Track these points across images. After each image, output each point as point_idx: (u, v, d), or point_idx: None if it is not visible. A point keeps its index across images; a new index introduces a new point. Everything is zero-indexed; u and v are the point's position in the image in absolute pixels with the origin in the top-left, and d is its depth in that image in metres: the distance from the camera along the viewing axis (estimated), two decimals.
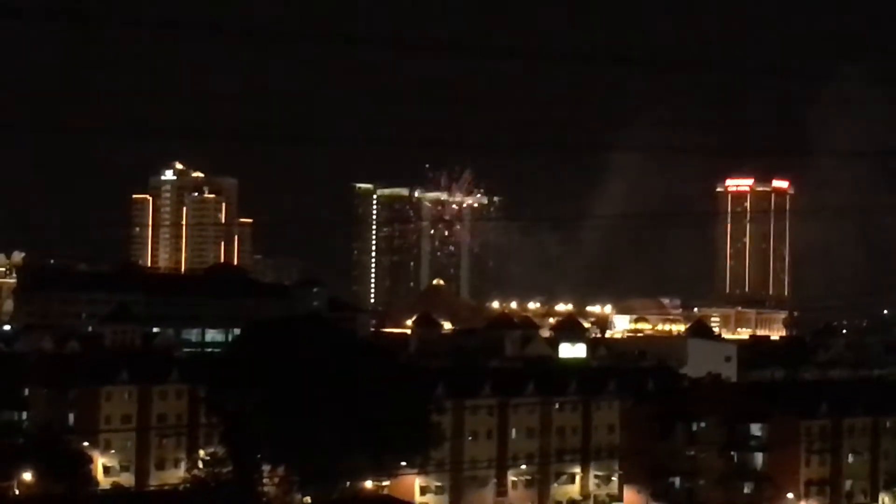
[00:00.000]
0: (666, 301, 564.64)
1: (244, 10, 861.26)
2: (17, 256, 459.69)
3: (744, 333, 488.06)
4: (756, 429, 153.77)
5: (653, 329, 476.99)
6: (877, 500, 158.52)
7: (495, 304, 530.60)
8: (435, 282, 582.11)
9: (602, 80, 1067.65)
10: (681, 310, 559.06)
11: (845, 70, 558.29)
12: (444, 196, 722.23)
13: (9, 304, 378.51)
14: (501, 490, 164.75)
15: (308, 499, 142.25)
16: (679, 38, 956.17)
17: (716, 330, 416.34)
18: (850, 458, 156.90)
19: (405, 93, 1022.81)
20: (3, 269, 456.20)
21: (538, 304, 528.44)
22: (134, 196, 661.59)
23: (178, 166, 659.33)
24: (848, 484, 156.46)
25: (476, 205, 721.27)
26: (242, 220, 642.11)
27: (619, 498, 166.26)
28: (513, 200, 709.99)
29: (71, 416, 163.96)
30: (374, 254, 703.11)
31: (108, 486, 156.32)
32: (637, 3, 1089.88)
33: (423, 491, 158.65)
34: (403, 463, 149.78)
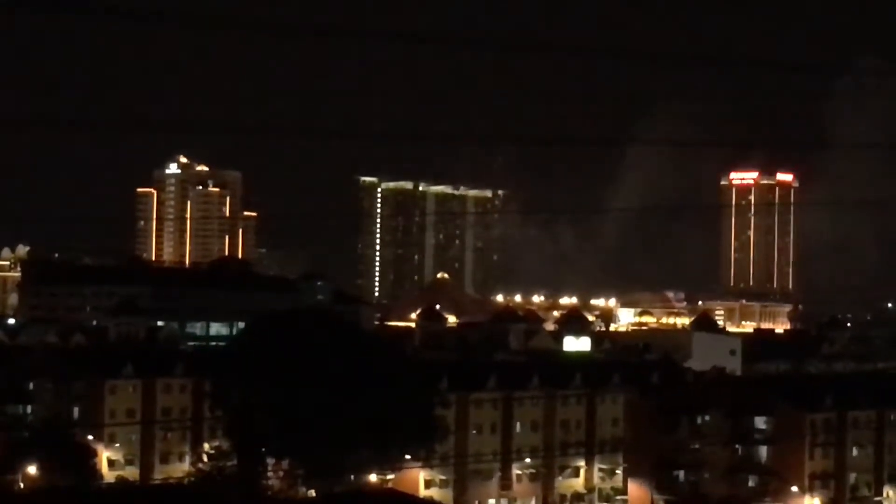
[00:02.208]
0: (670, 294, 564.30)
1: (248, 2, 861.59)
2: (22, 250, 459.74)
3: (748, 327, 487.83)
4: (761, 422, 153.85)
5: (657, 322, 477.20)
6: (881, 494, 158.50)
7: (500, 298, 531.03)
8: (439, 275, 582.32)
9: (609, 73, 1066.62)
10: (685, 303, 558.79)
11: (855, 63, 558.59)
12: (450, 189, 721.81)
13: (14, 298, 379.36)
14: (506, 483, 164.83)
15: (313, 492, 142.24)
16: (682, 31, 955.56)
17: (720, 323, 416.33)
18: (855, 452, 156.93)
19: (412, 86, 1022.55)
20: (8, 262, 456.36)
21: (542, 298, 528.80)
22: (138, 190, 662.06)
23: (183, 160, 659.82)
24: (852, 477, 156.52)
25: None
26: (247, 213, 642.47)
27: (624, 491, 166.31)
28: (517, 194, 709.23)
29: (76, 410, 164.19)
30: (378, 247, 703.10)
31: (112, 480, 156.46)
32: None
33: (428, 484, 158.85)
34: (408, 456, 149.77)
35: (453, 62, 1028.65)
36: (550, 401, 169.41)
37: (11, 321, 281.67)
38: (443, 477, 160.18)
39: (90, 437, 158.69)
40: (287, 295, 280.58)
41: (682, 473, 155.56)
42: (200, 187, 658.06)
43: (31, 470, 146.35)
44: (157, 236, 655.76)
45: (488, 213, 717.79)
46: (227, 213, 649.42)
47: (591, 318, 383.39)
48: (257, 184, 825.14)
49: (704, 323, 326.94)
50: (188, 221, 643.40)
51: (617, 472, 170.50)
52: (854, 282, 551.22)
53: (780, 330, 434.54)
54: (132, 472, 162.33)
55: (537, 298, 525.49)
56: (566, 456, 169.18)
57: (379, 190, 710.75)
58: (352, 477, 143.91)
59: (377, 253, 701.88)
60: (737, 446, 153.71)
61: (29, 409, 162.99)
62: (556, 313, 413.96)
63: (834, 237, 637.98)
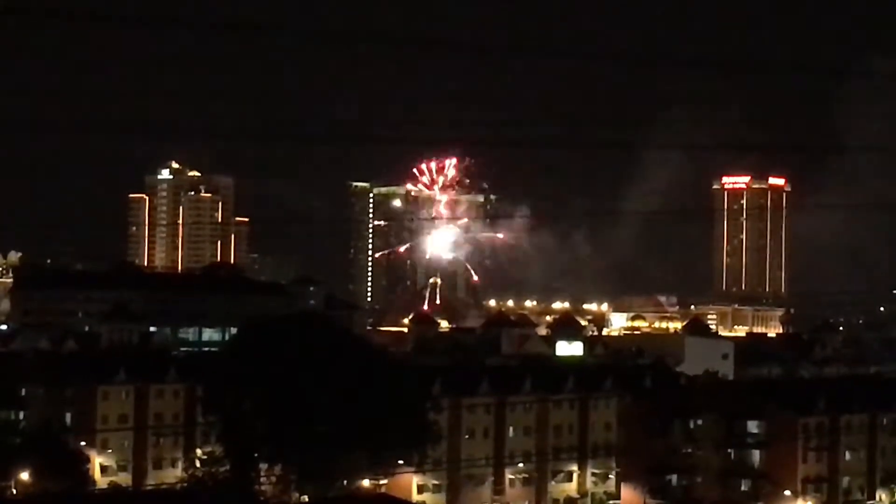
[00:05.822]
0: (663, 299, 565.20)
1: (241, 7, 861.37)
2: (14, 256, 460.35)
3: (741, 331, 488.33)
4: (753, 426, 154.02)
5: (650, 327, 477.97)
6: (874, 497, 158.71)
7: (492, 302, 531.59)
8: (432, 280, 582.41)
9: (603, 77, 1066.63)
10: (678, 307, 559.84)
11: (848, 65, 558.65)
12: (437, 194, 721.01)
13: (5, 304, 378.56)
14: (499, 488, 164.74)
15: (305, 497, 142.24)
16: (674, 34, 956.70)
17: (713, 327, 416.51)
18: (848, 455, 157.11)
19: (408, 89, 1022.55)
20: (0, 268, 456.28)
21: (535, 303, 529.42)
22: (130, 195, 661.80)
23: (175, 165, 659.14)
24: (845, 481, 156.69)
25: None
26: (239, 218, 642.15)
27: (617, 496, 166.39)
28: (509, 198, 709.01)
29: (68, 416, 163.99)
30: (370, 252, 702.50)
31: (105, 486, 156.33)
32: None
33: (421, 489, 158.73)
34: (401, 461, 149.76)
35: (450, 66, 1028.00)
36: (543, 405, 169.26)
37: (3, 327, 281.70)
38: (436, 482, 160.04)
39: (83, 443, 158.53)
40: (279, 300, 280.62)
41: (674, 477, 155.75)
42: (192, 193, 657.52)
43: (24, 476, 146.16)
44: (149, 242, 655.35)
45: (481, 218, 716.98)
46: (220, 219, 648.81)
47: (583, 322, 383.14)
48: (249, 189, 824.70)
49: (697, 327, 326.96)
50: (180, 227, 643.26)
51: (610, 476, 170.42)
52: (846, 285, 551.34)
53: (772, 334, 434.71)
54: (125, 478, 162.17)
55: (530, 303, 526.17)
56: (559, 460, 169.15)
57: (371, 195, 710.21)
58: (344, 482, 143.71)
59: (369, 258, 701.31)
60: (730, 450, 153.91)
61: (21, 415, 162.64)
62: (548, 318, 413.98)
63: (826, 241, 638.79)
